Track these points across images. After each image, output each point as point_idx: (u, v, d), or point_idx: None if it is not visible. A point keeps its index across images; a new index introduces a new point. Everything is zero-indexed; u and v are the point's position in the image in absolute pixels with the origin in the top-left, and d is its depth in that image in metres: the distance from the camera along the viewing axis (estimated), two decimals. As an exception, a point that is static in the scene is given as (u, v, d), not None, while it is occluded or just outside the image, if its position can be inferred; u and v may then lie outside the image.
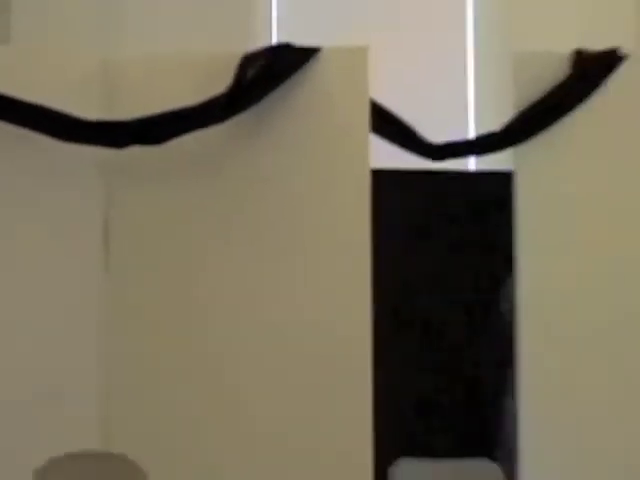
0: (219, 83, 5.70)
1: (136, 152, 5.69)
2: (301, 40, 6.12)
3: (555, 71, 6.19)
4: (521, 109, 6.17)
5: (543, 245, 6.12)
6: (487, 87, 8.87)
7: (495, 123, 6.66)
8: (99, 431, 5.71)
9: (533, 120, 6.16)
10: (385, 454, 5.81)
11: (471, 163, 8.07)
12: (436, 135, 6.34)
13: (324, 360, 5.67)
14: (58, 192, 5.80)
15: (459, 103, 8.85)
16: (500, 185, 6.53)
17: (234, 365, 5.70)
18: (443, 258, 6.87)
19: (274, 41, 8.37)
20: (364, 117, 5.80)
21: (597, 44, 6.37)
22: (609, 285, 6.09)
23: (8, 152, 5.61)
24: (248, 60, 5.77)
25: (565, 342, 6.01)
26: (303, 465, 5.60)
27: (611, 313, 6.06)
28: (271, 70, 5.79)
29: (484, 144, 6.74)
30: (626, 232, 6.18)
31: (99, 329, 5.73)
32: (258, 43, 7.70)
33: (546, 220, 6.15)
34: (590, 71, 6.21)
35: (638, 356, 6.02)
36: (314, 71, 5.83)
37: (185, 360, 5.71)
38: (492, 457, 6.43)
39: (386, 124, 6.08)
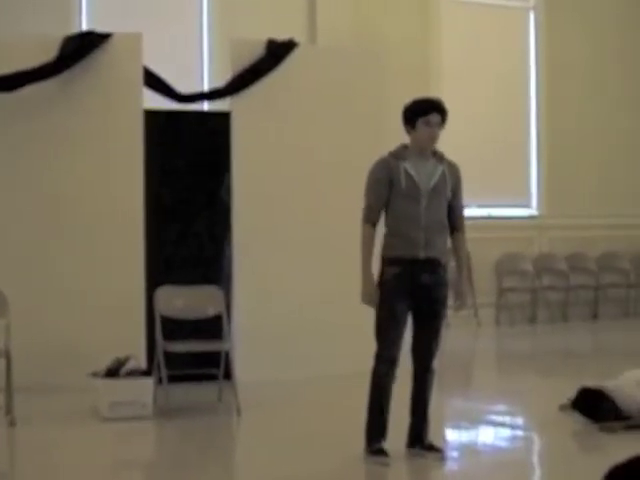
0: (50, 53, 8.56)
1: (-2, 96, 8.59)
2: (105, 25, 8.96)
3: (255, 51, 9.00)
4: (235, 74, 8.96)
5: (248, 153, 8.95)
6: (217, 59, 11.84)
7: (220, 82, 9.51)
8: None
9: (242, 81, 8.94)
10: (152, 284, 8.36)
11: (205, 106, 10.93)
12: (184, 88, 9.21)
13: (112, 221, 8.67)
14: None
15: (198, 69, 11.98)
16: (224, 119, 9.02)
17: (60, 215, 8.67)
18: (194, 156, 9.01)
19: (84, 27, 11.11)
20: (139, 77, 8.71)
21: (281, 35, 9.18)
22: (294, 182, 9.08)
23: None
24: (67, 41, 8.64)
25: (260, 213, 8.99)
26: (102, 291, 8.64)
27: (294, 194, 9.06)
28: (80, 48, 8.60)
29: (214, 94, 9.67)
30: (304, 149, 9.13)
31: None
32: (75, 28, 10.70)
33: (248, 140, 8.97)
34: (276, 52, 8.99)
35: (308, 223, 9.05)
36: (109, 48, 8.69)
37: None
38: (218, 284, 8.35)
39: (153, 81, 8.91)
